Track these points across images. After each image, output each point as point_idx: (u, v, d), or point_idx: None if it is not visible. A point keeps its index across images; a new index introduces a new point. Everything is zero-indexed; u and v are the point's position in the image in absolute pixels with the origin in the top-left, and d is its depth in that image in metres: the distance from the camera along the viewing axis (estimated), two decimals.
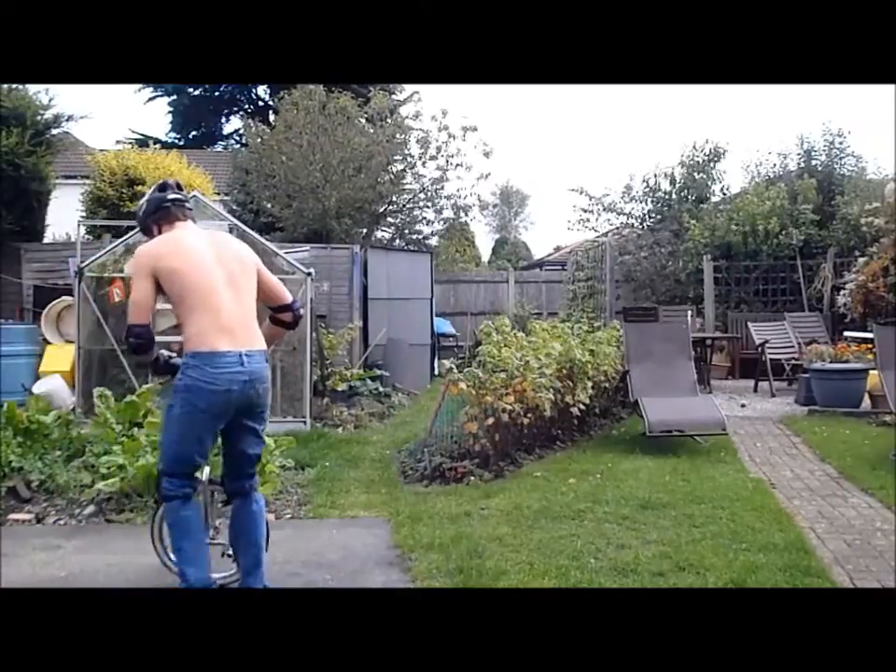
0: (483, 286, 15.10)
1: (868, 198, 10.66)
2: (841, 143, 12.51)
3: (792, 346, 9.51)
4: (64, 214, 10.82)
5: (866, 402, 7.66)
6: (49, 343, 7.62)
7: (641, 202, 13.83)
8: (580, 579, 3.33)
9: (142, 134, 19.39)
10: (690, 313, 10.60)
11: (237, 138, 22.22)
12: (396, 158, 13.47)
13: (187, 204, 3.21)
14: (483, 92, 51.66)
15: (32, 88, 9.49)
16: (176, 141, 22.73)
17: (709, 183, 13.49)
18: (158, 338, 6.61)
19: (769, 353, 9.24)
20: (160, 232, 3.10)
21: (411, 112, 14.19)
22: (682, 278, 12.20)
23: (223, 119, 24.60)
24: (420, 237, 14.93)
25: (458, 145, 13.30)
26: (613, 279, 12.35)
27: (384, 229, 14.91)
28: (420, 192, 14.05)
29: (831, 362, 7.90)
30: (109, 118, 42.97)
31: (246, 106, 23.42)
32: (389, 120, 13.44)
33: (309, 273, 6.85)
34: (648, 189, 13.66)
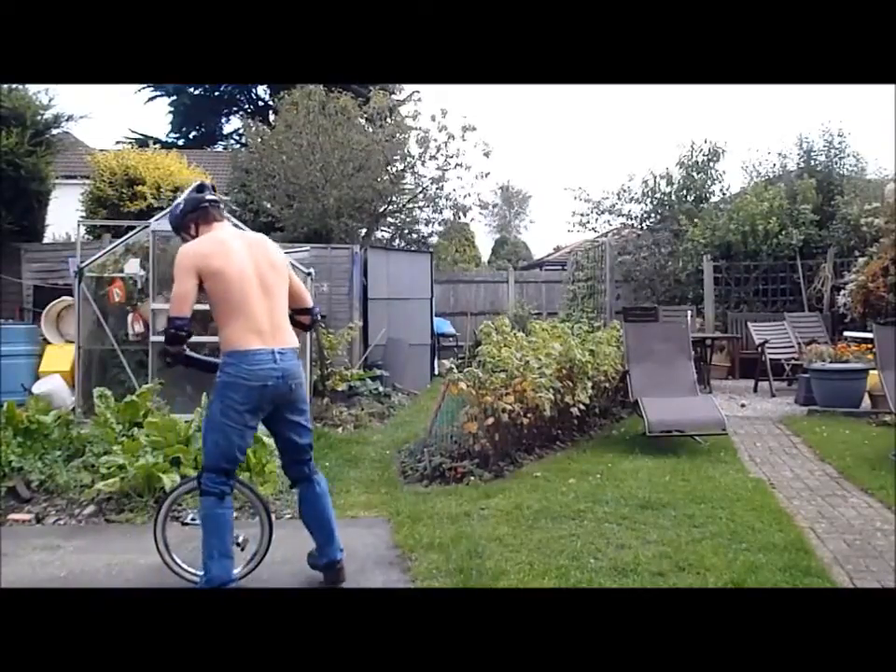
0: (483, 286, 15.10)
1: (868, 198, 10.66)
2: (840, 143, 12.52)
3: (792, 346, 9.51)
4: (64, 214, 10.81)
5: (866, 402, 7.66)
6: (49, 342, 7.62)
7: (640, 202, 13.84)
8: (580, 579, 3.33)
9: (142, 134, 19.41)
10: (690, 313, 10.59)
11: (237, 138, 22.21)
12: (395, 157, 13.46)
13: (221, 206, 3.36)
14: (482, 92, 51.67)
15: (32, 88, 9.49)
16: (176, 141, 22.74)
17: (708, 183, 13.49)
18: (157, 338, 6.65)
19: (769, 353, 9.24)
20: (196, 231, 3.21)
21: (410, 112, 14.20)
22: (682, 278, 12.20)
23: (223, 119, 24.61)
24: (420, 237, 14.92)
25: (458, 144, 13.30)
26: (613, 279, 12.35)
27: (384, 229, 14.90)
28: (420, 192, 14.04)
29: (831, 362, 7.90)
30: (109, 118, 43.00)
31: (246, 106, 23.41)
32: (389, 120, 13.44)
33: (309, 273, 6.85)
34: (647, 190, 13.67)
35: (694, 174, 13.37)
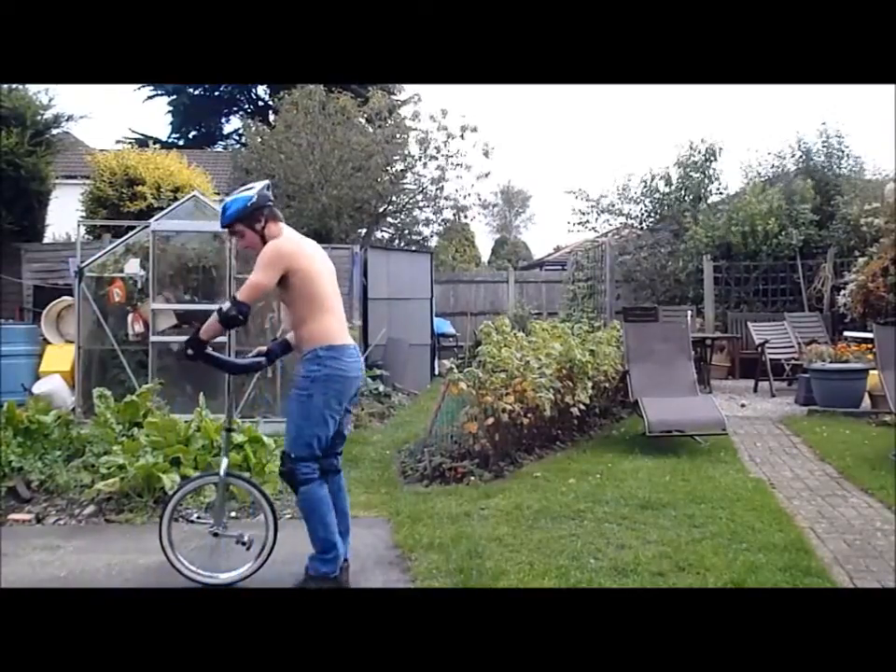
0: (483, 286, 15.10)
1: (868, 198, 10.65)
2: (839, 143, 12.52)
3: (792, 346, 9.51)
4: (64, 214, 10.81)
5: (866, 402, 7.66)
6: (49, 342, 7.62)
7: (639, 203, 13.84)
8: (580, 579, 3.33)
9: (142, 134, 19.38)
10: (690, 313, 10.59)
11: (237, 138, 22.19)
12: (395, 158, 13.47)
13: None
14: (482, 92, 51.65)
15: (32, 88, 9.49)
16: (176, 141, 22.72)
17: (706, 182, 13.50)
18: (157, 338, 6.66)
19: (769, 353, 9.24)
20: (265, 226, 3.29)
21: (410, 112, 14.20)
22: (682, 278, 12.20)
23: (223, 119, 24.59)
24: (420, 237, 14.92)
25: (458, 144, 13.31)
26: (613, 279, 12.34)
27: (384, 229, 14.91)
28: (420, 192, 14.04)
29: (831, 362, 7.90)
30: (109, 118, 43.00)
31: (246, 106, 23.40)
32: (389, 120, 13.44)
33: None
34: (646, 190, 13.67)
35: (693, 173, 13.38)
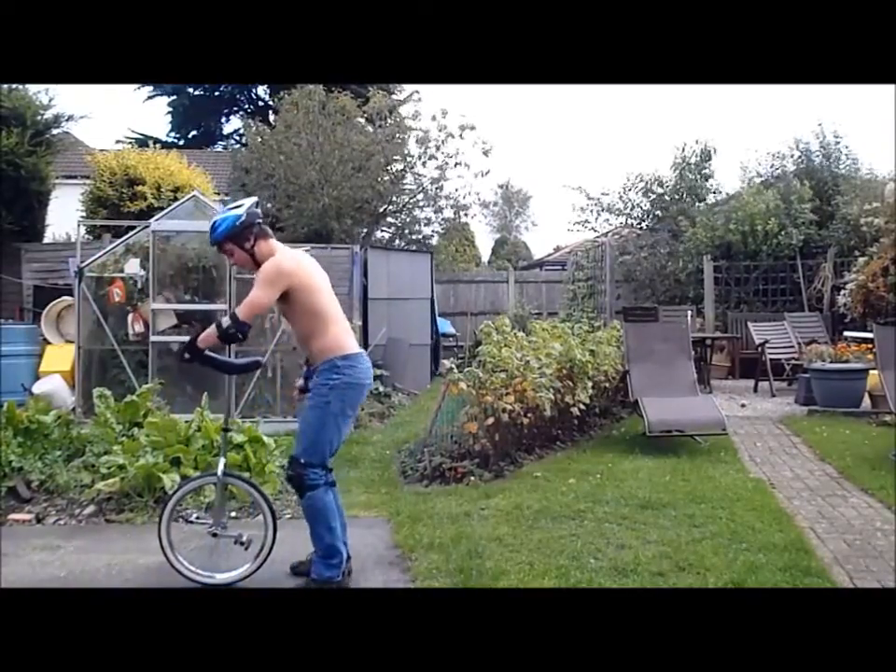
0: (483, 286, 15.10)
1: (868, 198, 10.65)
2: (838, 143, 12.52)
3: (792, 346, 9.51)
4: (64, 214, 10.81)
5: (866, 402, 7.66)
6: (49, 342, 7.62)
7: (638, 204, 13.85)
8: (580, 579, 3.33)
9: (142, 134, 19.38)
10: (690, 313, 10.59)
11: (237, 138, 22.18)
12: (395, 157, 13.47)
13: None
14: (482, 92, 51.66)
15: (32, 88, 9.49)
16: (176, 141, 22.71)
17: (701, 181, 13.51)
18: (157, 338, 6.66)
19: (769, 353, 9.24)
20: (254, 244, 3.30)
21: (410, 112, 14.20)
22: (682, 278, 12.20)
23: (223, 119, 24.59)
24: (420, 237, 14.92)
25: (457, 143, 13.30)
26: (613, 279, 12.34)
27: (384, 229, 14.90)
28: (420, 192, 14.04)
29: (831, 362, 7.90)
30: (109, 118, 42.97)
31: (246, 106, 23.40)
32: (389, 120, 13.44)
33: None
34: (644, 191, 13.68)
35: (688, 174, 13.39)
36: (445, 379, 5.61)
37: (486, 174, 13.85)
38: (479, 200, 14.33)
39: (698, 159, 13.38)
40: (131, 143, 16.27)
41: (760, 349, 9.28)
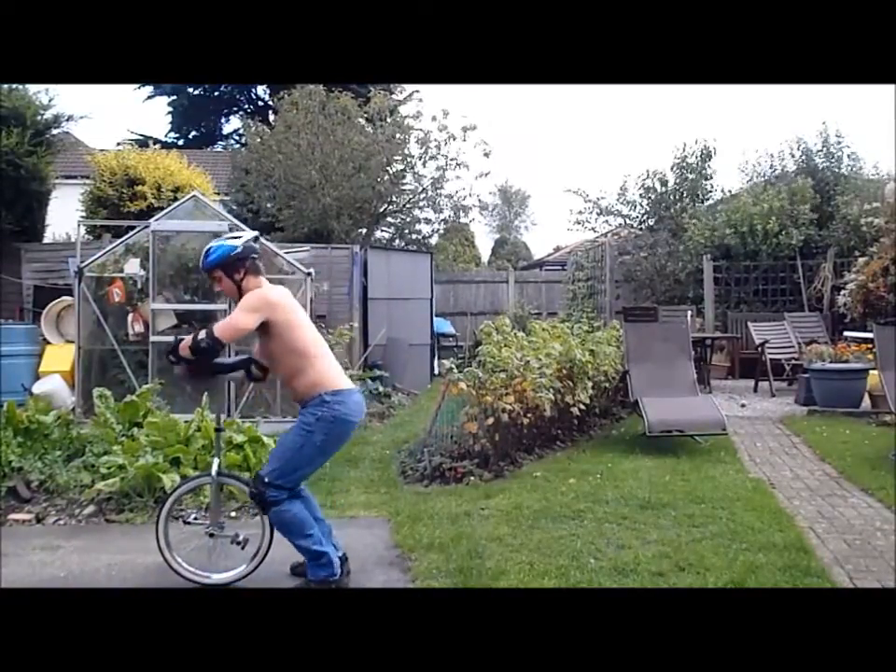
0: (483, 286, 15.11)
1: (868, 198, 10.65)
2: (839, 143, 12.52)
3: (792, 346, 9.51)
4: (64, 214, 10.81)
5: (866, 402, 7.66)
6: (49, 342, 7.62)
7: (637, 205, 13.86)
8: (580, 579, 3.33)
9: (142, 134, 19.37)
10: (690, 313, 10.59)
11: (237, 138, 22.22)
12: (395, 158, 13.47)
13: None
14: (482, 92, 51.65)
15: (32, 88, 9.48)
16: (176, 141, 22.71)
17: (702, 182, 13.51)
18: (157, 338, 6.66)
19: (769, 353, 9.24)
20: (243, 277, 3.29)
21: (411, 112, 14.20)
22: (682, 278, 12.20)
23: (223, 119, 24.60)
24: (420, 237, 14.92)
25: (458, 145, 13.30)
26: (613, 279, 12.35)
27: (384, 229, 14.90)
28: (420, 192, 14.04)
29: (831, 362, 7.90)
30: (109, 118, 42.95)
31: (246, 106, 23.41)
32: (389, 120, 13.44)
33: (309, 273, 6.85)
34: (644, 191, 13.68)
35: (689, 174, 13.39)
36: (445, 379, 5.61)
37: (486, 175, 13.88)
38: (479, 202, 14.34)
39: (699, 159, 13.38)
40: (131, 143, 16.25)
41: (760, 349, 9.28)
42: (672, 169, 13.56)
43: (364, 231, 13.84)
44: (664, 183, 13.53)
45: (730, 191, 13.50)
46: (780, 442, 6.37)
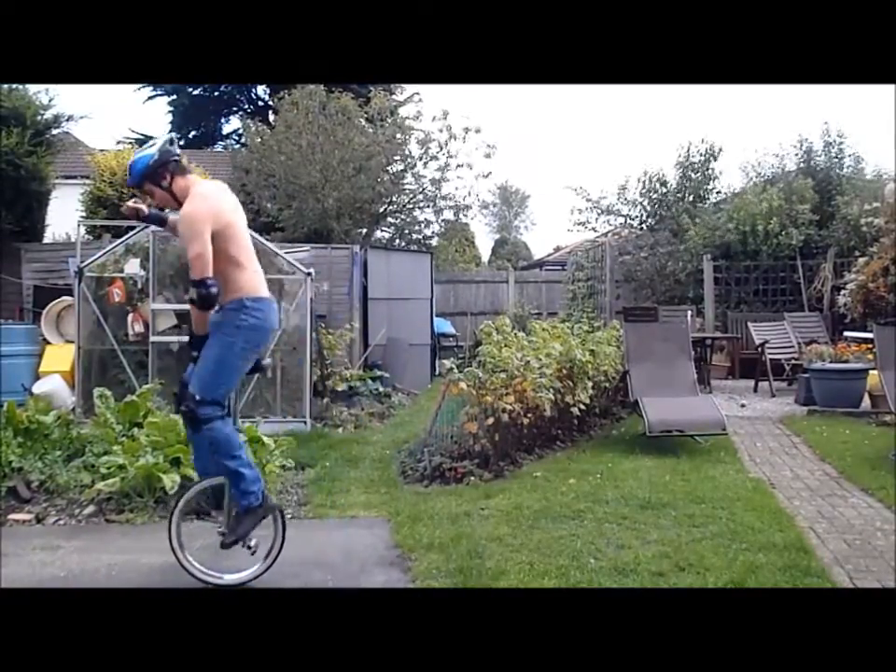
0: (483, 286, 15.12)
1: (868, 198, 10.65)
2: (840, 143, 12.52)
3: (792, 346, 9.51)
4: (64, 214, 10.81)
5: (866, 402, 7.66)
6: (49, 342, 7.62)
7: (638, 204, 13.86)
8: (580, 579, 3.33)
9: (142, 134, 19.39)
10: (690, 313, 10.59)
11: (237, 138, 22.20)
12: (396, 158, 13.47)
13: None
14: (483, 92, 51.64)
15: (32, 88, 9.48)
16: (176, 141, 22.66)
17: (705, 183, 13.51)
18: (157, 338, 6.65)
19: (769, 353, 9.24)
20: (171, 181, 3.26)
21: (411, 112, 14.21)
22: (682, 278, 12.20)
23: (223, 119, 24.58)
24: (420, 237, 14.93)
25: (459, 145, 13.30)
26: (613, 279, 12.35)
27: (384, 229, 14.90)
28: (420, 193, 14.04)
29: (831, 362, 7.90)
30: (109, 118, 42.97)
31: (246, 106, 23.40)
32: (389, 121, 13.44)
33: (309, 273, 6.85)
34: (644, 191, 13.68)
35: (692, 174, 13.38)
36: (445, 379, 5.61)
37: (487, 175, 13.88)
38: (479, 201, 14.35)
39: (702, 159, 13.37)
40: (131, 143, 16.25)
41: (760, 349, 9.28)
42: (675, 167, 13.55)
43: (364, 231, 13.84)
44: (664, 183, 13.54)
45: (734, 190, 13.50)
46: (780, 442, 6.37)
